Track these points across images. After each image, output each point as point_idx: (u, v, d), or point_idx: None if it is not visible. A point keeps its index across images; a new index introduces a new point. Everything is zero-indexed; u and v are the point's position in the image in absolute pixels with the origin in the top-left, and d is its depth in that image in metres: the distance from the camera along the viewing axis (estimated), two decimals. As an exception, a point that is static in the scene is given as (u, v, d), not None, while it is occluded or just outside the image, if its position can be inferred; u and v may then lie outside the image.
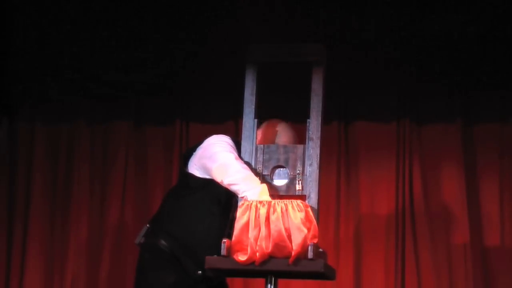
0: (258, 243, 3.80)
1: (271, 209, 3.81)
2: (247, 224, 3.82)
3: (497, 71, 5.81)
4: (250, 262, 3.82)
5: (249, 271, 3.89)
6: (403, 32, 5.52)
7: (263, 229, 3.80)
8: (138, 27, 5.62)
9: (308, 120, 4.08)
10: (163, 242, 4.26)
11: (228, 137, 4.36)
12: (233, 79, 4.90)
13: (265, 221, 3.81)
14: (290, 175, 4.08)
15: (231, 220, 4.05)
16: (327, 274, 3.89)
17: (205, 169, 4.25)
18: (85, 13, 5.48)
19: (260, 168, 4.10)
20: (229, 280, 4.55)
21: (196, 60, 5.92)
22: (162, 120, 6.41)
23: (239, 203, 3.93)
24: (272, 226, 3.79)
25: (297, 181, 4.06)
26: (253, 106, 4.16)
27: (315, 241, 3.81)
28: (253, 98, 4.16)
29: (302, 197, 4.01)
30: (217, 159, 4.18)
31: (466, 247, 5.88)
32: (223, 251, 3.83)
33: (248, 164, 4.12)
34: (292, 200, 3.85)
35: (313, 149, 4.05)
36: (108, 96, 6.43)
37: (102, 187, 6.37)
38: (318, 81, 4.09)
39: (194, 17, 5.48)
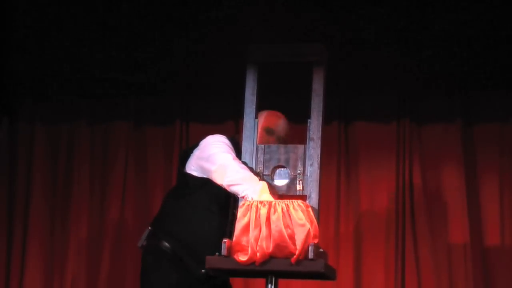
0: (259, 243, 3.79)
1: (272, 209, 3.81)
2: (247, 224, 3.82)
3: (497, 71, 5.82)
4: (251, 262, 3.82)
5: (249, 271, 3.89)
6: (403, 32, 5.52)
7: (263, 229, 3.80)
8: (138, 27, 5.61)
9: (308, 120, 4.08)
10: (165, 243, 4.26)
11: (224, 136, 4.35)
12: (233, 79, 4.91)
13: (266, 221, 3.80)
14: (291, 175, 4.08)
15: (232, 218, 4.06)
16: (327, 274, 3.89)
17: (204, 170, 4.25)
18: (85, 13, 5.47)
19: (260, 168, 4.10)
20: (230, 280, 4.55)
21: (196, 60, 5.92)
22: (162, 120, 6.41)
23: (240, 203, 3.93)
24: (273, 226, 3.79)
25: (297, 181, 4.06)
26: (254, 106, 4.16)
27: (316, 241, 3.81)
28: (254, 98, 4.16)
29: (303, 197, 4.01)
30: (215, 161, 4.17)
31: (466, 247, 5.89)
32: (224, 251, 3.83)
33: (245, 163, 4.12)
34: (293, 200, 3.85)
35: (313, 149, 4.05)
36: (108, 96, 6.43)
37: (102, 187, 6.38)
38: (319, 81, 4.09)
39: (194, 17, 5.47)
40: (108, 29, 5.65)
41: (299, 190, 4.04)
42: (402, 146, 6.12)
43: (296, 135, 4.43)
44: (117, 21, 5.56)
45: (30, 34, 5.78)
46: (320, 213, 4.10)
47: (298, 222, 3.78)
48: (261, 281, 4.01)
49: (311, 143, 4.06)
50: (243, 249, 3.83)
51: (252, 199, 3.89)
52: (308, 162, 4.05)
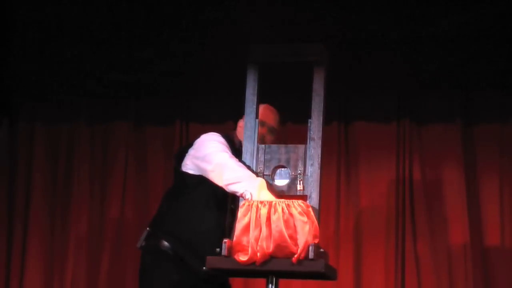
0: (259, 243, 3.79)
1: (272, 209, 3.80)
2: (248, 224, 3.81)
3: (497, 71, 5.82)
4: (251, 263, 3.82)
5: (250, 271, 3.88)
6: (403, 32, 5.52)
7: (264, 229, 3.79)
8: (138, 27, 5.61)
9: (309, 120, 4.08)
10: (165, 243, 4.25)
11: (219, 134, 4.34)
12: (233, 79, 4.90)
13: (266, 221, 3.80)
14: (291, 175, 4.08)
15: (231, 214, 4.06)
16: (328, 274, 3.89)
17: (200, 170, 4.24)
18: (85, 13, 5.47)
19: (261, 168, 4.10)
20: (230, 280, 4.55)
21: (196, 60, 5.92)
22: (162, 120, 6.41)
23: (240, 203, 3.92)
24: (273, 226, 3.79)
25: (298, 181, 4.05)
26: (255, 106, 4.15)
27: (316, 241, 3.80)
28: (255, 98, 4.16)
29: (303, 197, 4.00)
30: (211, 160, 4.16)
31: (466, 247, 5.89)
32: (224, 251, 3.83)
33: (244, 163, 4.11)
34: (294, 200, 3.85)
35: (314, 149, 4.04)
36: (108, 96, 6.43)
37: (102, 187, 6.38)
38: (319, 81, 4.08)
39: (194, 17, 5.47)
40: (108, 29, 5.65)
41: (300, 190, 4.04)
42: (402, 146, 6.12)
43: (296, 135, 4.43)
44: (117, 21, 5.56)
45: (30, 35, 5.78)
46: (320, 213, 4.10)
47: (299, 222, 3.78)
48: (261, 281, 4.00)
49: (312, 143, 4.05)
50: (243, 249, 3.83)
51: (251, 195, 3.88)
52: (308, 162, 4.05)
